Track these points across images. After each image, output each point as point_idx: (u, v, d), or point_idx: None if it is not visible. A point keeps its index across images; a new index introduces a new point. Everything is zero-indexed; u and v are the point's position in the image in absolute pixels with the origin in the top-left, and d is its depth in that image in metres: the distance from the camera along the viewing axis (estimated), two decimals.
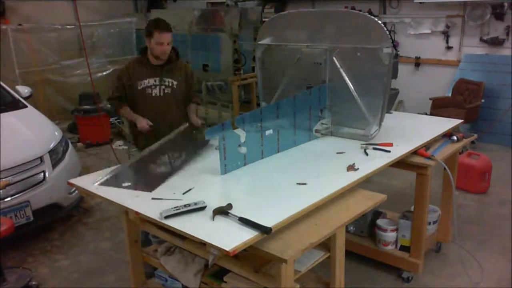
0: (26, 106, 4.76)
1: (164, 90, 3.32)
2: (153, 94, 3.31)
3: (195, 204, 2.17)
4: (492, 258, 3.61)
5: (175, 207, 2.15)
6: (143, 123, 3.24)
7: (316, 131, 3.31)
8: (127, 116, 3.44)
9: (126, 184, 2.52)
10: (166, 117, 3.33)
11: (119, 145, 6.89)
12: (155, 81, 3.29)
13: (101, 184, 2.53)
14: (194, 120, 3.37)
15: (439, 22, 6.92)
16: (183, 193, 2.37)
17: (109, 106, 6.41)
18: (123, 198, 2.38)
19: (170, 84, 3.33)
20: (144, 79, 3.28)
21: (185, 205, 2.16)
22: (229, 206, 2.14)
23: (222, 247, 1.83)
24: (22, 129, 4.37)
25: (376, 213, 3.54)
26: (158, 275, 2.79)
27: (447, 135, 3.48)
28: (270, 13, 7.92)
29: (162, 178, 2.56)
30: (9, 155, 3.83)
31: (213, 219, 2.06)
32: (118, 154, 6.11)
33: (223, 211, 2.09)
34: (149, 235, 2.91)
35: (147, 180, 2.58)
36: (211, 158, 2.87)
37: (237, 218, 2.02)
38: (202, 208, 2.16)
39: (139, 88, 3.28)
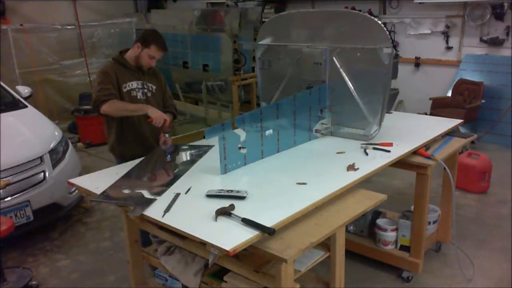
0: (26, 106, 4.76)
1: (146, 93, 3.16)
2: (138, 97, 3.12)
3: (238, 192, 2.30)
4: (492, 258, 3.61)
5: (219, 190, 2.34)
6: (159, 113, 2.92)
7: (316, 131, 3.31)
8: (124, 108, 2.97)
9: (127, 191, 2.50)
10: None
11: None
12: (137, 84, 3.12)
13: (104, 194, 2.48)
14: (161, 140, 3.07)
15: (439, 22, 6.93)
16: (185, 193, 2.37)
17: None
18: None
19: (151, 89, 3.19)
20: (128, 81, 3.09)
21: (228, 191, 2.32)
22: (232, 206, 2.14)
23: (222, 247, 1.84)
24: (22, 129, 4.38)
25: (376, 213, 3.54)
26: (158, 275, 2.79)
27: (447, 135, 3.49)
28: (270, 13, 7.92)
29: (169, 183, 2.55)
30: (9, 155, 3.83)
31: (216, 220, 2.07)
32: None
33: (226, 211, 2.10)
34: (150, 235, 2.90)
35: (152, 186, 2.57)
36: (211, 158, 2.87)
37: (240, 219, 2.02)
38: (242, 198, 2.26)
39: (124, 90, 3.07)
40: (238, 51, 6.87)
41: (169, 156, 2.95)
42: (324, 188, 2.39)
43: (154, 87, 3.21)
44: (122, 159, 3.10)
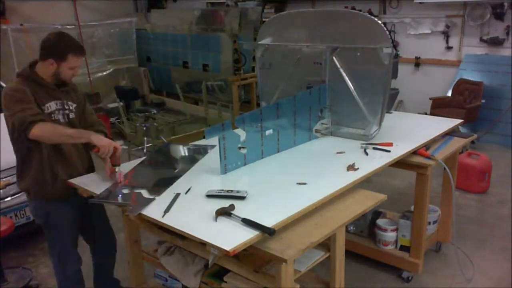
0: None
1: (68, 115, 2.61)
2: (60, 121, 2.57)
3: (238, 192, 2.30)
4: (492, 258, 3.61)
5: (219, 190, 2.33)
6: (106, 141, 2.46)
7: (316, 131, 3.31)
8: (61, 132, 2.41)
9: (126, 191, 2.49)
10: (78, 146, 2.67)
11: (119, 145, 6.88)
12: (56, 104, 2.55)
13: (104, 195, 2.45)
14: (107, 169, 2.59)
15: (439, 22, 6.93)
16: (185, 193, 2.37)
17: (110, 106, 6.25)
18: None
19: (71, 108, 2.63)
20: (46, 102, 2.52)
21: (227, 191, 2.31)
22: (232, 207, 2.14)
23: (222, 247, 1.83)
24: None
25: (376, 213, 3.54)
26: (158, 275, 2.79)
27: (447, 135, 3.49)
28: (270, 13, 7.92)
29: (168, 183, 2.53)
30: (9, 155, 3.81)
31: (216, 220, 2.07)
32: None
33: (225, 212, 2.10)
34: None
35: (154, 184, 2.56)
36: (211, 158, 2.87)
37: (240, 219, 2.02)
38: (242, 198, 2.25)
39: (44, 113, 2.50)
40: (238, 51, 6.87)
41: (120, 196, 2.34)
42: (324, 188, 2.39)
43: (74, 105, 2.66)
44: (46, 200, 2.60)
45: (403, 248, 3.35)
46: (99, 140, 2.44)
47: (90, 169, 2.77)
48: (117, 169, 2.49)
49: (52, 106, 2.54)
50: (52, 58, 2.45)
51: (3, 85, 4.91)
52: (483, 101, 6.27)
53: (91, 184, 2.56)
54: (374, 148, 2.99)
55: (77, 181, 2.65)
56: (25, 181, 2.61)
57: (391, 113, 3.99)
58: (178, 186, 2.48)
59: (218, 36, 7.40)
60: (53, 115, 2.55)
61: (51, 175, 2.57)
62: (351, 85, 3.19)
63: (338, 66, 3.20)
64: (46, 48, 2.47)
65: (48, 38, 2.48)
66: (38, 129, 2.34)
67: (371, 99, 3.14)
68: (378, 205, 2.52)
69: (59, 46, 2.47)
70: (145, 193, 2.38)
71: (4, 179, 3.71)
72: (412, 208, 3.31)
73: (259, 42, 3.61)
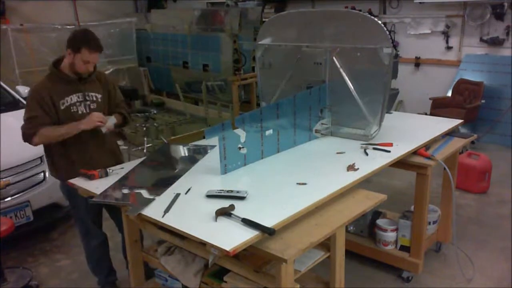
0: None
1: (89, 106, 2.85)
2: (79, 112, 2.82)
3: (238, 192, 2.30)
4: (492, 258, 3.61)
5: (219, 190, 2.33)
6: (89, 119, 2.73)
7: (316, 131, 3.31)
8: (56, 134, 2.73)
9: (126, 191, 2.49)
10: (98, 136, 2.89)
11: (119, 145, 6.88)
12: (77, 97, 2.81)
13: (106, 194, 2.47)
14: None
15: (439, 22, 6.93)
16: (185, 193, 2.37)
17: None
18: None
19: (95, 99, 2.88)
20: (66, 96, 2.78)
21: (228, 191, 2.32)
22: (232, 207, 2.14)
23: (222, 247, 1.84)
24: None
25: (376, 213, 3.54)
26: (158, 275, 2.79)
27: (447, 135, 3.48)
28: (270, 13, 7.93)
29: (168, 183, 2.53)
30: (9, 155, 3.83)
31: (216, 220, 2.07)
32: None
33: (226, 212, 2.10)
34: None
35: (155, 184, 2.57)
36: (211, 158, 2.87)
37: (240, 219, 2.02)
38: (242, 198, 2.26)
39: (62, 107, 2.77)
40: (238, 51, 6.87)
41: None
42: (324, 188, 2.39)
43: (98, 96, 2.91)
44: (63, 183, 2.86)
45: (403, 248, 3.35)
46: (85, 124, 2.73)
47: (112, 153, 3.08)
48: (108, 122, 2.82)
49: (73, 98, 2.80)
50: (70, 48, 2.73)
51: (3, 85, 4.91)
52: (483, 101, 6.27)
53: (91, 184, 2.56)
54: (374, 148, 2.99)
55: (77, 181, 2.66)
56: (50, 165, 2.95)
57: (391, 113, 3.99)
58: (178, 186, 2.48)
59: (218, 36, 7.40)
60: (72, 107, 2.80)
61: (67, 162, 2.85)
62: (351, 85, 3.19)
63: (338, 66, 3.20)
64: (68, 39, 2.76)
65: (74, 31, 2.84)
66: (37, 139, 2.72)
67: (371, 99, 3.14)
68: (378, 205, 2.52)
69: (77, 38, 2.74)
70: (145, 193, 2.39)
71: (4, 179, 3.71)
72: (412, 208, 3.31)
73: (259, 42, 3.61)
